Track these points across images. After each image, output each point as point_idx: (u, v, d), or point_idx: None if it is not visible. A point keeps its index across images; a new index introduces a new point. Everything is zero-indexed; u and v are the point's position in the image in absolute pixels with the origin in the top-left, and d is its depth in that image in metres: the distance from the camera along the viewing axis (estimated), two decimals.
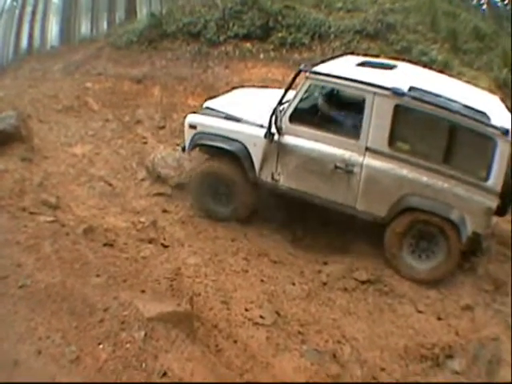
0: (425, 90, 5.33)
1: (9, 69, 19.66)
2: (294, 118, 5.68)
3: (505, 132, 4.98)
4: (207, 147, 6.36)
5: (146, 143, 8.66)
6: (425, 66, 9.80)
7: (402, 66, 6.42)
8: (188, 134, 6.39)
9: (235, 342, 4.07)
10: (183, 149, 6.63)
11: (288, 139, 5.71)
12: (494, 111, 5.37)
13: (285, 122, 5.67)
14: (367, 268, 5.40)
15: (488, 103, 5.73)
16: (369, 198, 5.56)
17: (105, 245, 4.84)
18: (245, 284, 4.98)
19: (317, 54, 10.35)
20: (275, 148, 5.78)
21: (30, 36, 28.49)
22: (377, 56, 8.63)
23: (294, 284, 5.16)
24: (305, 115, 5.81)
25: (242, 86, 8.31)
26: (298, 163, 5.72)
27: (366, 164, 5.43)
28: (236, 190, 6.11)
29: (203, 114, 6.48)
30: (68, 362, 2.94)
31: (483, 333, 4.51)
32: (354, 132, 5.53)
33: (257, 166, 5.94)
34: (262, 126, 5.81)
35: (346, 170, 5.48)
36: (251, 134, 5.88)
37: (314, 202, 5.82)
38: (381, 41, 10.79)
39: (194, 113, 6.74)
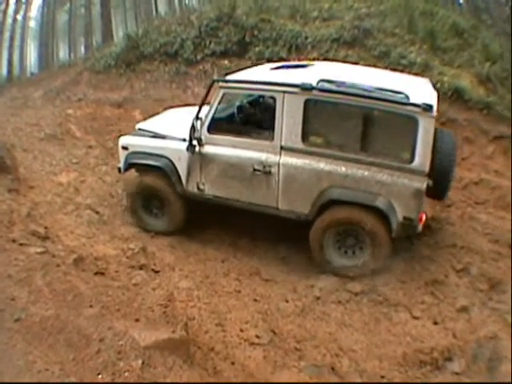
0: (335, 81, 5.28)
1: None
2: (211, 128, 5.81)
3: (426, 108, 4.81)
4: (139, 166, 6.48)
5: None
6: (403, 69, 9.91)
7: (320, 64, 6.63)
8: (122, 156, 6.57)
9: (233, 363, 4.06)
10: (119, 170, 6.75)
11: (208, 149, 5.84)
12: (417, 91, 5.25)
13: (204, 133, 5.82)
14: (360, 279, 5.38)
15: (412, 85, 5.62)
16: (290, 196, 5.59)
17: (96, 274, 4.86)
18: (238, 304, 4.98)
19: None
20: (198, 159, 5.91)
21: (10, 63, 28.51)
22: (355, 63, 8.70)
23: (287, 301, 5.16)
24: (222, 124, 5.95)
25: (172, 107, 8.40)
26: (219, 171, 5.84)
27: (282, 163, 5.47)
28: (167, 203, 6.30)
29: (134, 134, 6.66)
30: None
31: (481, 332, 4.51)
32: (269, 133, 5.57)
33: (183, 178, 6.09)
34: (184, 140, 5.91)
35: (264, 171, 5.56)
36: (175, 149, 6.05)
37: (238, 206, 5.91)
38: (359, 47, 10.77)
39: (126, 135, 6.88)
